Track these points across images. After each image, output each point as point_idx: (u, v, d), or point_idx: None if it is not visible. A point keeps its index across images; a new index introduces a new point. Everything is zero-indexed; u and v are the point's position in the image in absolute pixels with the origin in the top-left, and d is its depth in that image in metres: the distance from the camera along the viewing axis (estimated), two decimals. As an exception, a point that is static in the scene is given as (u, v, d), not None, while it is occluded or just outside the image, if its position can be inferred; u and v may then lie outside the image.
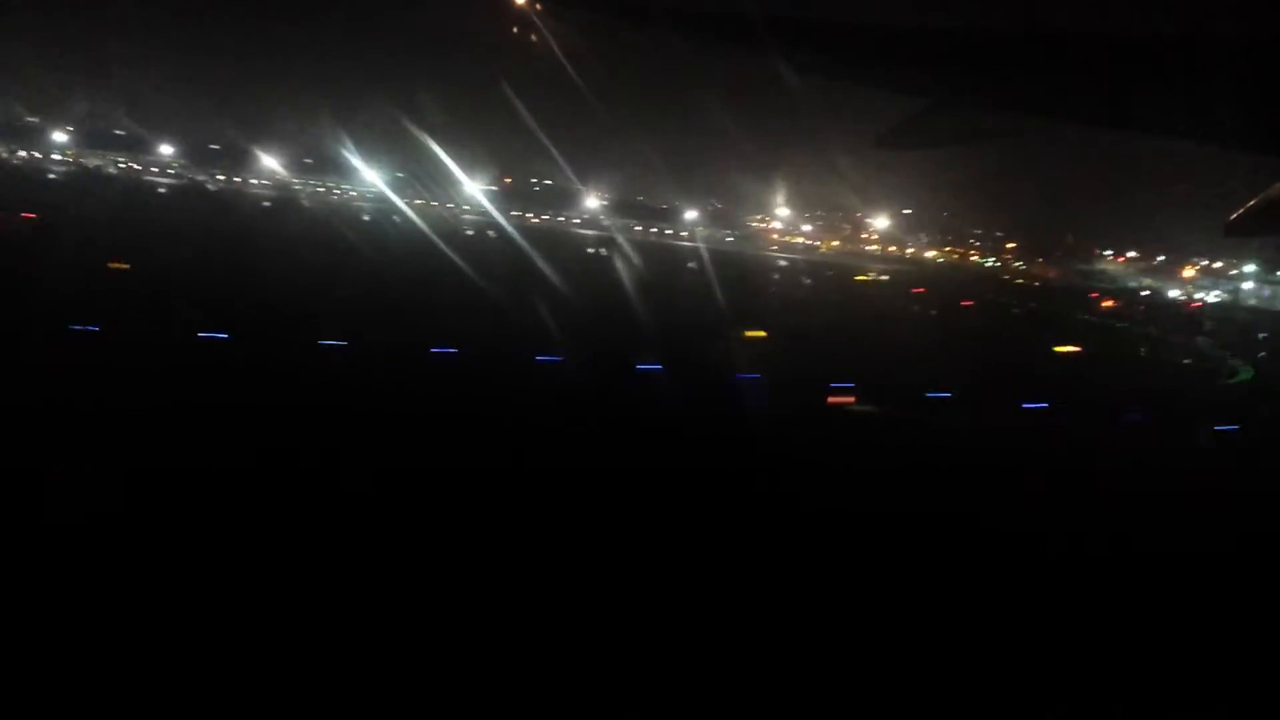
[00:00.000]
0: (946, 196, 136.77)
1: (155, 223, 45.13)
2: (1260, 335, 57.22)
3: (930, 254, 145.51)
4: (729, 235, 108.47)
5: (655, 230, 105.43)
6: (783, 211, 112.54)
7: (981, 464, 15.85)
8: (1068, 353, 32.96)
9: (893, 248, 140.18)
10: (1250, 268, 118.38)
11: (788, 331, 27.81)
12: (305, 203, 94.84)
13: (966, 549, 11.41)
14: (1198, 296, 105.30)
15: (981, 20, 4.29)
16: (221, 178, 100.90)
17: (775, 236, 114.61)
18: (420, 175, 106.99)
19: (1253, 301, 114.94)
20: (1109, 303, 67.20)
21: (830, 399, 18.22)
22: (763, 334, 26.52)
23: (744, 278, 51.41)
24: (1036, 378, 25.21)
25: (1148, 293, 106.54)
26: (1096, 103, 4.49)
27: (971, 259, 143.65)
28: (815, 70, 5.03)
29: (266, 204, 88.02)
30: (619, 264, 48.55)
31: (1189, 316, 67.87)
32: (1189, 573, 11.26)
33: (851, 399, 18.29)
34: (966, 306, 47.58)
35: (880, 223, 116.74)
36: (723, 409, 17.30)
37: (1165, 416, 20.97)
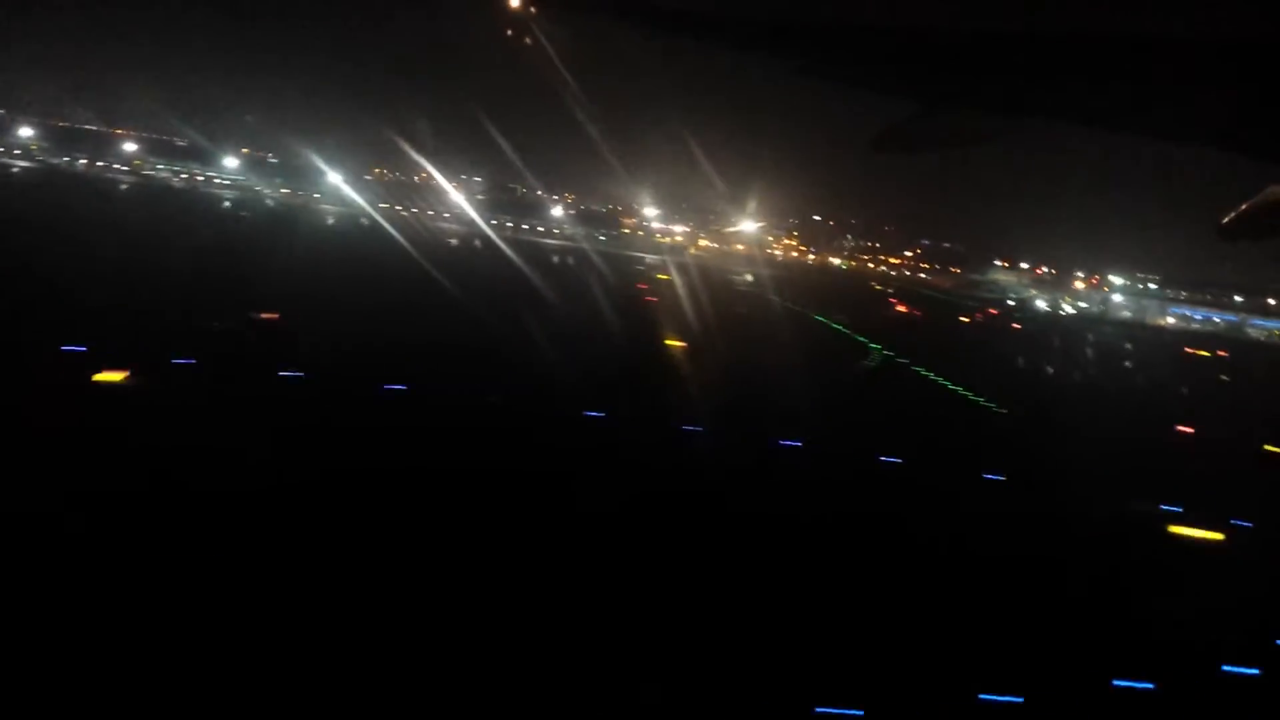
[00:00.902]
0: (859, 203, 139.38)
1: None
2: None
3: (835, 260, 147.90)
4: (601, 235, 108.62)
5: (526, 227, 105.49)
6: (653, 211, 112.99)
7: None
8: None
9: (795, 253, 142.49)
10: (1118, 280, 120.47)
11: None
12: (174, 186, 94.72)
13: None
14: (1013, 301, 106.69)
15: (970, 21, 4.17)
16: (84, 161, 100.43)
17: (657, 237, 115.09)
18: (283, 163, 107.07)
19: (1126, 313, 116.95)
20: (902, 308, 68.02)
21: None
22: (274, 315, 26.57)
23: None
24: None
25: (1013, 302, 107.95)
26: (1091, 104, 4.35)
27: (869, 265, 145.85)
28: (798, 70, 4.84)
29: (124, 186, 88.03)
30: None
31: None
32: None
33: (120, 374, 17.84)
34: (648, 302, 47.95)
35: (752, 226, 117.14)
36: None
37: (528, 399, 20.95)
